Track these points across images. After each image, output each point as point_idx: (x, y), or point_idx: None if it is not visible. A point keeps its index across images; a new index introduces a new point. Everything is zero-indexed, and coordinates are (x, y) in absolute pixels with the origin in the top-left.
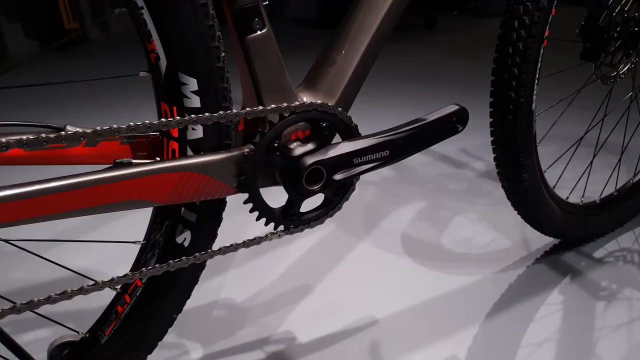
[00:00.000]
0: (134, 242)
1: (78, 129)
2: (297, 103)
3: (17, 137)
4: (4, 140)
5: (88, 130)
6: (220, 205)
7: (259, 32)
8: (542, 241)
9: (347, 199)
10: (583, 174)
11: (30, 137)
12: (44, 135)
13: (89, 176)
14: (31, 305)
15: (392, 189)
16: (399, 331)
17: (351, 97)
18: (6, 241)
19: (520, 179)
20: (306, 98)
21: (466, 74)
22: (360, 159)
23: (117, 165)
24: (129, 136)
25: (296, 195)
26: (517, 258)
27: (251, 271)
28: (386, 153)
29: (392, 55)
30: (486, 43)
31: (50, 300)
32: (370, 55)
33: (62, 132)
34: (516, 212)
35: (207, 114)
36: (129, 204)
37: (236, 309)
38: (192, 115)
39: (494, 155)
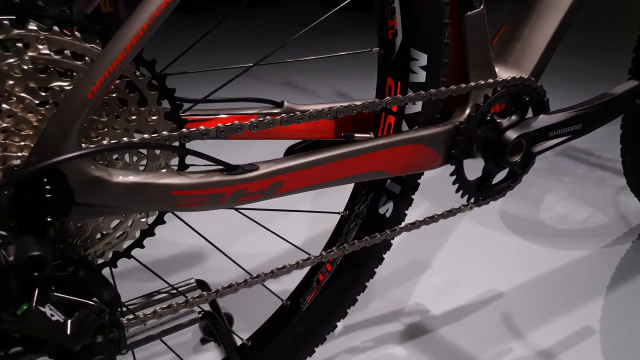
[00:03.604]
0: (338, 213)
1: (296, 105)
2: (508, 77)
3: (251, 113)
4: (255, 121)
5: (347, 104)
6: (419, 177)
7: (477, 9)
8: (639, 217)
9: (527, 172)
10: None
11: (274, 116)
12: (285, 114)
13: (348, 147)
14: (259, 280)
15: (474, 166)
16: (525, 303)
17: (542, 71)
18: (236, 209)
19: None
20: (499, 72)
21: None
22: (556, 131)
23: (354, 140)
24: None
25: (494, 168)
26: (620, 233)
27: None
28: (579, 126)
29: None
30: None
31: (272, 274)
32: (561, 31)
33: (337, 106)
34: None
35: (463, 85)
36: (371, 175)
37: None
38: (454, 86)
39: (622, 132)
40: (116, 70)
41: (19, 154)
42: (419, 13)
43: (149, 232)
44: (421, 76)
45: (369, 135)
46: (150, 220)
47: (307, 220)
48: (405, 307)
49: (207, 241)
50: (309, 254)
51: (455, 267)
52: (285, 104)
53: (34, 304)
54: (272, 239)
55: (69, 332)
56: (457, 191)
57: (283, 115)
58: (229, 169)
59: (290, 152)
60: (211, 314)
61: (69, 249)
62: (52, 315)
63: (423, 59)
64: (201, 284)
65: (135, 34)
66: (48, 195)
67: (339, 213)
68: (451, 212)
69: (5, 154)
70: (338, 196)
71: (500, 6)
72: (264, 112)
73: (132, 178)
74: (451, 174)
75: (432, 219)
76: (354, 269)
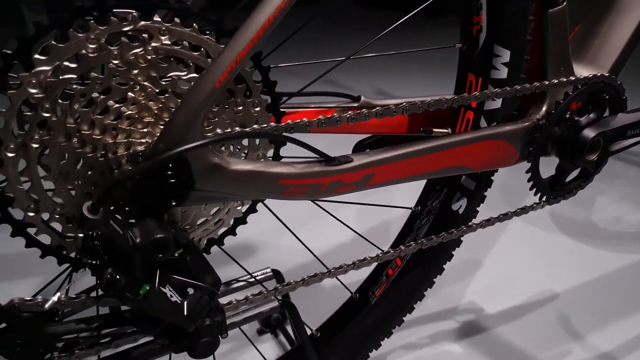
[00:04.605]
0: (410, 208)
1: (372, 99)
2: (589, 75)
3: (329, 107)
4: (352, 114)
5: (438, 97)
6: (493, 173)
7: (559, 6)
8: None
9: (599, 172)
10: None
11: (369, 110)
12: (380, 108)
13: (436, 142)
14: (342, 270)
15: (521, 167)
16: (582, 305)
17: (620, 68)
18: (312, 200)
19: None
20: (575, 70)
21: None
22: (635, 130)
23: (436, 135)
24: None
25: (570, 166)
26: None
27: None
28: None
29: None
30: None
31: (354, 266)
32: None
33: (417, 101)
34: None
35: (546, 82)
36: (455, 169)
37: None
38: (537, 83)
39: None
40: (242, 61)
41: (142, 140)
42: (505, 9)
43: (242, 220)
44: (503, 72)
45: (446, 131)
46: (244, 208)
47: (354, 217)
48: (460, 305)
49: (292, 233)
50: (381, 249)
51: (508, 267)
52: (362, 98)
53: (156, 285)
54: (321, 232)
55: (185, 313)
56: (530, 189)
57: (378, 108)
58: (328, 160)
59: (359, 147)
60: (289, 302)
61: (179, 233)
62: (171, 296)
63: (506, 55)
64: (276, 273)
65: (262, 25)
66: (172, 181)
67: (410, 208)
68: (524, 210)
69: (129, 140)
70: (384, 195)
71: None
72: (342, 106)
73: (246, 166)
74: (527, 171)
75: (505, 216)
76: (424, 264)
